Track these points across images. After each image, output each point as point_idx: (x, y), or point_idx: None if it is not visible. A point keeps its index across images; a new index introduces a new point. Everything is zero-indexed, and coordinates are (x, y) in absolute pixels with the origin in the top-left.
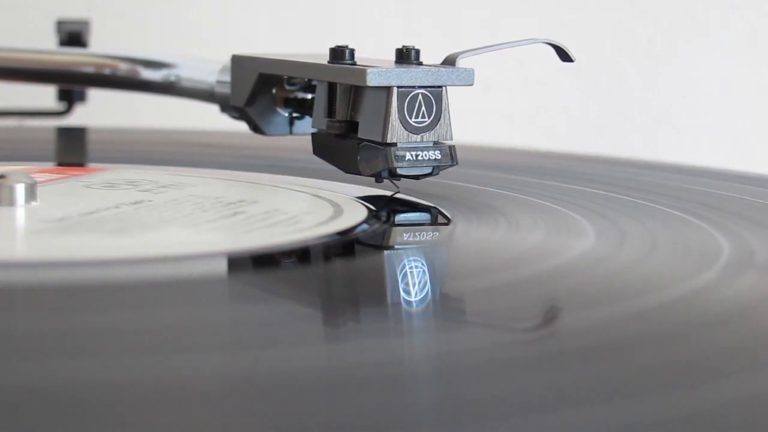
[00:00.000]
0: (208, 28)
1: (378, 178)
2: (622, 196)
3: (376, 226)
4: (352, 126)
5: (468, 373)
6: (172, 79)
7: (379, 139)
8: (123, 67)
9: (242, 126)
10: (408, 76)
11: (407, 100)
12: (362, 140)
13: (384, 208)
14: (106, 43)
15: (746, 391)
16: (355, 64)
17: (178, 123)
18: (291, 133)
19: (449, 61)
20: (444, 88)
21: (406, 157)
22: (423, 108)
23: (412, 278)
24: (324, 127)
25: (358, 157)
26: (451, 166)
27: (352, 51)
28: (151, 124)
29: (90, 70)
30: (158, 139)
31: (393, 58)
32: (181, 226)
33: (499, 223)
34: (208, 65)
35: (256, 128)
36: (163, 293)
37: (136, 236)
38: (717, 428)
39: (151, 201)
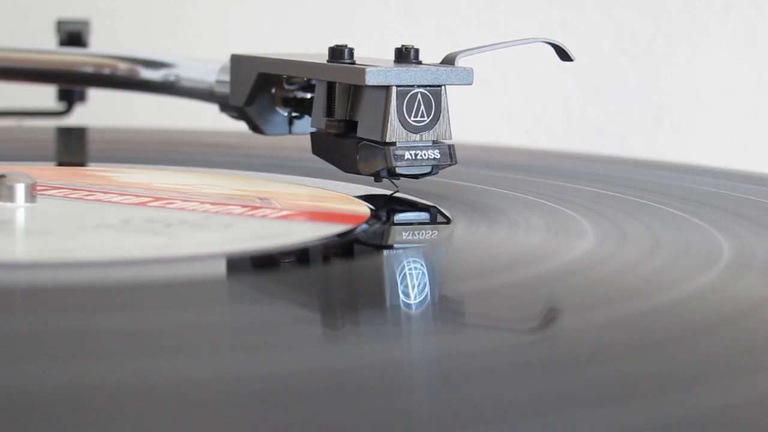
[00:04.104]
0: (208, 28)
1: (377, 178)
2: (622, 195)
3: (376, 225)
4: (351, 125)
5: (467, 375)
6: (172, 78)
7: (378, 139)
8: (123, 67)
9: (242, 126)
10: (407, 75)
11: (406, 99)
12: (361, 139)
13: (384, 208)
14: (106, 43)
15: (748, 392)
16: (354, 63)
17: (177, 123)
18: (290, 132)
19: (448, 61)
20: (443, 87)
21: (405, 157)
22: (422, 107)
23: (411, 279)
24: (323, 127)
25: (357, 157)
26: (450, 165)
27: (351, 50)
28: (151, 124)
29: (90, 70)
30: (158, 138)
31: (392, 57)
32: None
33: (499, 223)
34: (207, 65)
35: (255, 128)
36: (163, 294)
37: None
38: (719, 430)
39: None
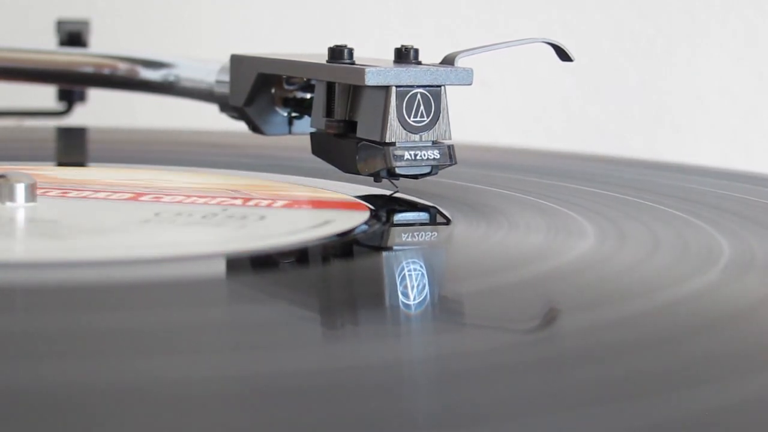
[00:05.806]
0: (207, 28)
1: (377, 178)
2: (622, 195)
3: (376, 226)
4: (351, 125)
5: (467, 375)
6: (172, 79)
7: (377, 139)
8: (122, 67)
9: (242, 126)
10: (407, 75)
11: (406, 99)
12: (361, 140)
13: (383, 208)
14: (106, 43)
15: (747, 392)
16: (353, 63)
17: (177, 123)
18: (290, 132)
19: (448, 61)
20: (443, 87)
21: (405, 157)
22: (422, 107)
23: (410, 280)
24: (323, 127)
25: (357, 157)
26: (450, 165)
27: (350, 50)
28: (151, 124)
29: (90, 70)
30: (158, 139)
31: (392, 57)
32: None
33: (499, 223)
34: (207, 65)
35: (255, 128)
36: (162, 294)
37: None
38: (717, 430)
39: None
